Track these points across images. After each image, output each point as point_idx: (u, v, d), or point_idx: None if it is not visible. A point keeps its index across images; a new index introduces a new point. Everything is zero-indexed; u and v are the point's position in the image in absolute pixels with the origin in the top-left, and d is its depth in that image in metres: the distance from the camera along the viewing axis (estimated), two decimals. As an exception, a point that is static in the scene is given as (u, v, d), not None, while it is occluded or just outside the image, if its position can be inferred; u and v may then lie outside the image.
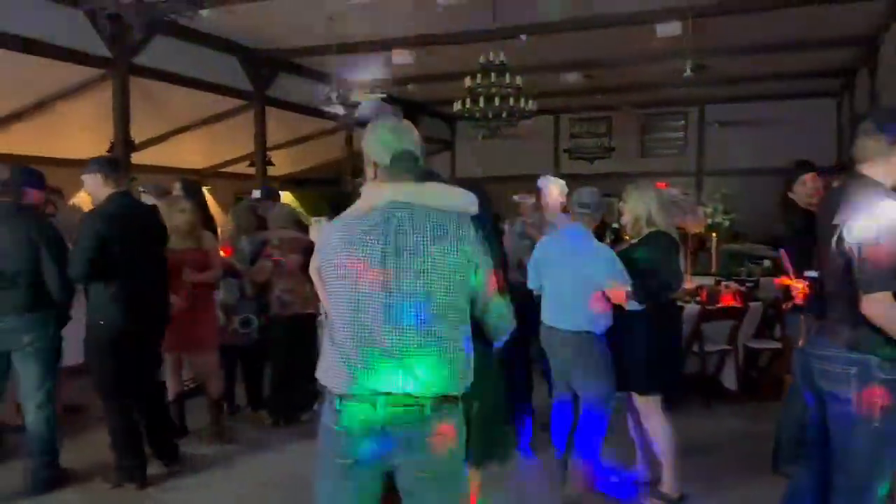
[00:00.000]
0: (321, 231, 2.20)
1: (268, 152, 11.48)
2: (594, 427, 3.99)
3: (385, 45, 9.80)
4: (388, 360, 1.89)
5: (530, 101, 9.42)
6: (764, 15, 8.64)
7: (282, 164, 13.51)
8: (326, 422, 2.02)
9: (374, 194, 2.01)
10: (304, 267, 4.48)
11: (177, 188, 5.78)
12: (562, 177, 5.76)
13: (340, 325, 1.96)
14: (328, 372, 2.00)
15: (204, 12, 4.71)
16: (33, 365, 4.07)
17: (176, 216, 4.74)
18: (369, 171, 2.11)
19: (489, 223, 2.75)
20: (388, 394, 1.89)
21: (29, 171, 4.42)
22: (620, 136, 15.83)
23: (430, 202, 1.97)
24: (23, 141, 10.13)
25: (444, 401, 1.95)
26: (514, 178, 10.37)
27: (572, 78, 11.77)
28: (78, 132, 10.45)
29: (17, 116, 9.54)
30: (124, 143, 8.57)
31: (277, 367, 5.40)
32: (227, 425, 5.18)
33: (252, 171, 11.91)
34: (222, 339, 5.22)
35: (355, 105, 12.82)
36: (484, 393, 2.55)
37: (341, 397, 1.96)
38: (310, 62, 11.17)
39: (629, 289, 3.80)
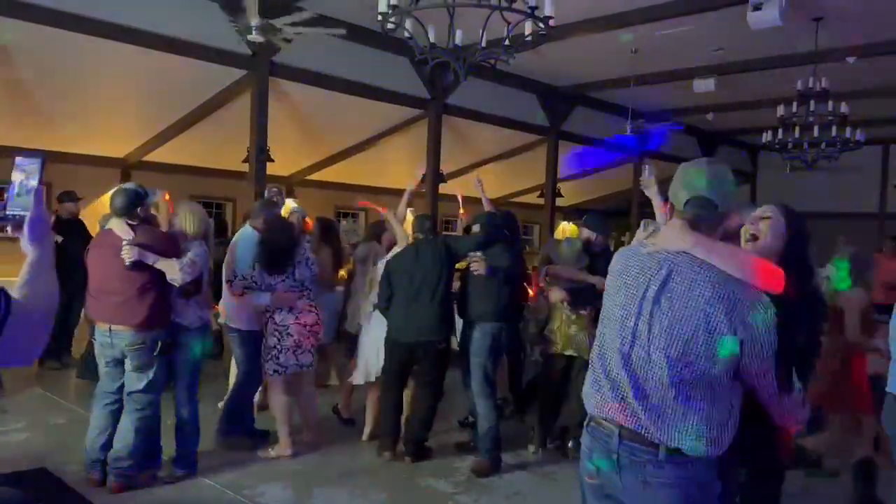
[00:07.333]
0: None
1: (557, 183, 11.76)
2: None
3: (687, 75, 9.45)
4: (628, 397, 1.91)
5: (857, 131, 8.32)
6: None
7: (569, 194, 13.73)
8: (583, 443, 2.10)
9: (664, 236, 1.96)
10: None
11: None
12: (888, 216, 4.93)
13: (599, 351, 2.02)
14: (588, 392, 2.06)
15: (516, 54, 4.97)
16: None
17: None
18: (672, 211, 2.03)
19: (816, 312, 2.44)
20: (623, 427, 1.90)
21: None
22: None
23: (718, 262, 1.85)
24: (352, 172, 11.72)
25: (680, 454, 1.86)
26: (827, 216, 9.19)
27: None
28: (394, 165, 11.79)
29: (346, 152, 11.01)
30: (434, 175, 9.36)
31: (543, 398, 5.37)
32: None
33: (541, 201, 12.28)
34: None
35: (647, 135, 12.57)
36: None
37: (591, 420, 2.02)
38: (605, 96, 11.22)
39: None
